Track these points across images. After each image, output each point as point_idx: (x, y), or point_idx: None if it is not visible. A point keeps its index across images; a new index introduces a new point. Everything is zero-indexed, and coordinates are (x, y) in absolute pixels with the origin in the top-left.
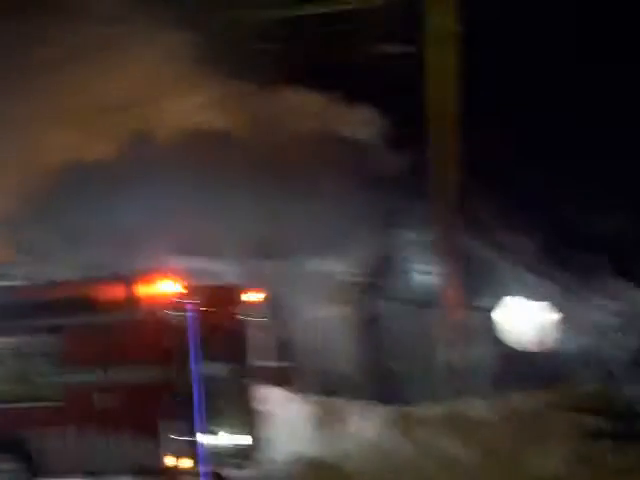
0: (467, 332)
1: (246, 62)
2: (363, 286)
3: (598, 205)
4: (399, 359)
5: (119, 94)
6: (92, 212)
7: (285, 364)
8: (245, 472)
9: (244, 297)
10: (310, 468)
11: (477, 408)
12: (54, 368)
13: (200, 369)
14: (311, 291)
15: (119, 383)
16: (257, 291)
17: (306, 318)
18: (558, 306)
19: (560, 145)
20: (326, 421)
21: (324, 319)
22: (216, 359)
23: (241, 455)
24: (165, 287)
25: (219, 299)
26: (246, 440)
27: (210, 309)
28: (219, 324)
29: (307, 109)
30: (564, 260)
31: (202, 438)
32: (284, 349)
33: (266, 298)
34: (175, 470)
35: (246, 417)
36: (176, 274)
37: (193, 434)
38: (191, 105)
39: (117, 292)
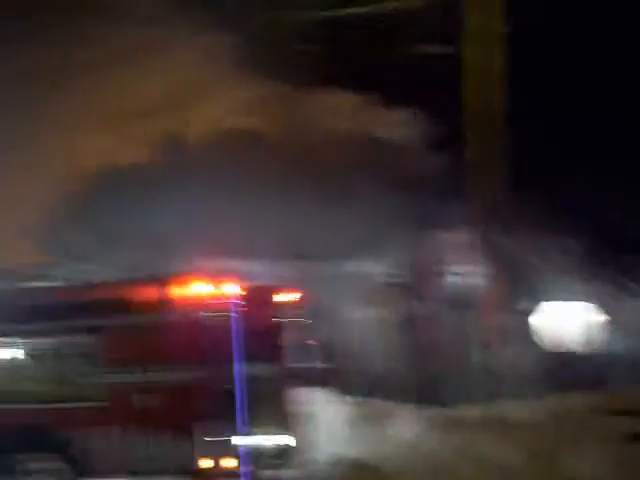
0: (506, 334)
1: (285, 63)
2: (400, 287)
3: None
4: (437, 361)
5: (158, 96)
6: (129, 214)
7: (324, 365)
8: (285, 473)
9: (281, 298)
10: (349, 469)
11: (516, 410)
12: (94, 368)
13: (239, 370)
14: (348, 292)
15: (158, 384)
16: (294, 292)
17: (344, 319)
18: (602, 308)
19: (605, 147)
20: (365, 422)
21: (362, 320)
22: (255, 360)
23: (281, 456)
24: (203, 288)
25: (257, 300)
26: (285, 441)
27: (248, 310)
28: (257, 325)
29: (346, 110)
30: (609, 262)
31: (242, 439)
32: (322, 350)
33: (303, 299)
34: (215, 471)
35: (285, 418)
36: (214, 275)
37: (233, 435)
38: (228, 107)
39: (155, 293)
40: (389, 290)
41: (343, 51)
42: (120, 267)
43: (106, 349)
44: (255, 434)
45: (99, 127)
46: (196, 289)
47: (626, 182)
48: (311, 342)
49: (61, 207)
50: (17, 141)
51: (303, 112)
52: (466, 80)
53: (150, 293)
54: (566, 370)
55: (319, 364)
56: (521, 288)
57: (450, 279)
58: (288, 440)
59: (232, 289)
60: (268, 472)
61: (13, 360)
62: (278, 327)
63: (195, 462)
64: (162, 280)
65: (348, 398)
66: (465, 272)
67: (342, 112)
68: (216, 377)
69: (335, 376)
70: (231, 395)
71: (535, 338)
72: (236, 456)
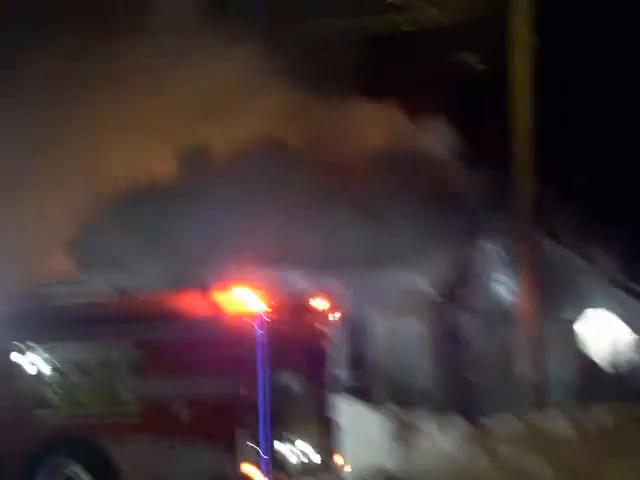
0: (547, 344)
1: (320, 74)
2: (441, 299)
3: None
4: (477, 371)
5: (193, 106)
6: (169, 225)
7: (362, 376)
8: None
9: (320, 308)
10: None
11: (556, 422)
12: (136, 379)
13: (277, 380)
14: (388, 304)
15: (200, 394)
16: (334, 303)
17: (383, 330)
18: None
19: None
20: (402, 434)
21: (401, 331)
22: (293, 370)
23: (317, 466)
24: (242, 298)
25: (296, 310)
26: (322, 451)
27: (287, 320)
28: (296, 335)
29: (384, 122)
30: None
31: (278, 449)
32: (361, 361)
33: (343, 310)
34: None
35: (322, 428)
36: (253, 285)
37: (270, 445)
38: (264, 117)
39: (195, 303)
40: (430, 301)
41: (381, 62)
42: (162, 278)
43: (147, 359)
44: (293, 443)
45: (134, 136)
46: (236, 299)
47: None
48: (351, 353)
49: (103, 217)
50: (54, 152)
51: (342, 123)
52: (507, 94)
53: (190, 303)
54: (612, 379)
55: (359, 375)
56: (566, 296)
57: (492, 290)
58: (324, 450)
59: (272, 299)
60: None
61: (61, 372)
62: (318, 337)
63: (237, 470)
64: (202, 290)
65: (387, 409)
66: (506, 283)
67: (380, 124)
68: (255, 387)
69: (374, 387)
70: (270, 404)
71: (580, 346)
72: (273, 465)
